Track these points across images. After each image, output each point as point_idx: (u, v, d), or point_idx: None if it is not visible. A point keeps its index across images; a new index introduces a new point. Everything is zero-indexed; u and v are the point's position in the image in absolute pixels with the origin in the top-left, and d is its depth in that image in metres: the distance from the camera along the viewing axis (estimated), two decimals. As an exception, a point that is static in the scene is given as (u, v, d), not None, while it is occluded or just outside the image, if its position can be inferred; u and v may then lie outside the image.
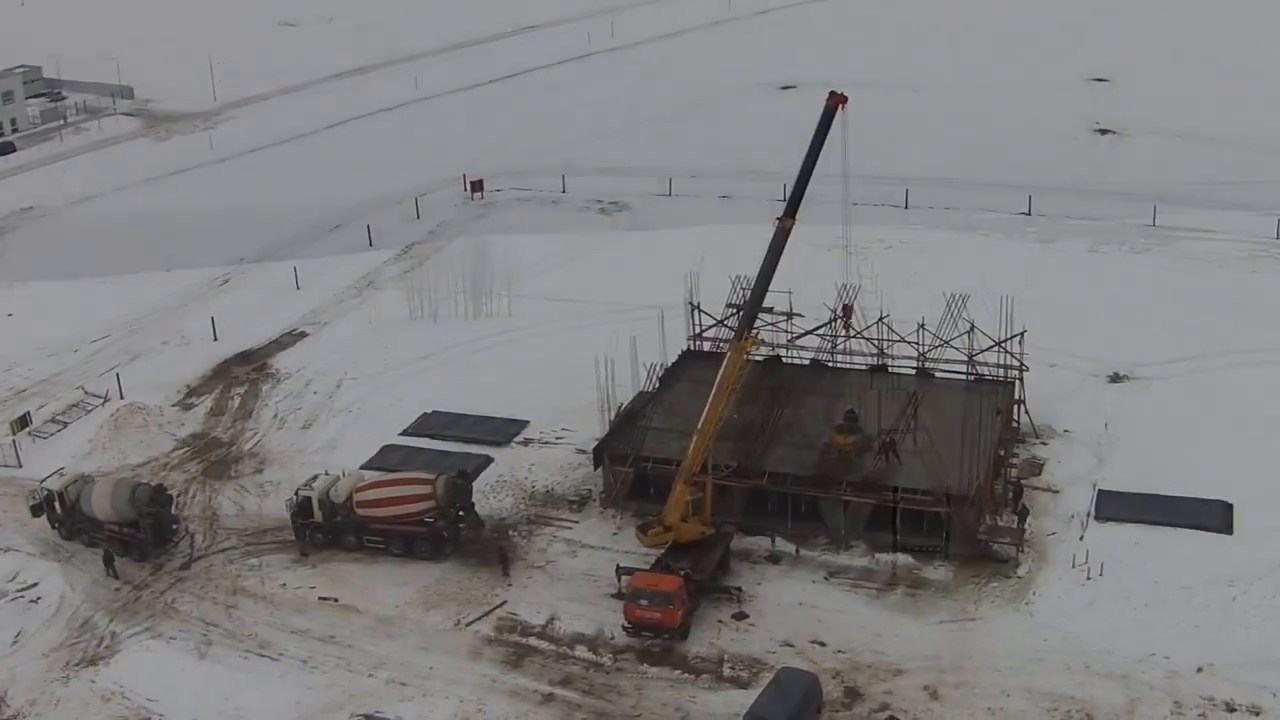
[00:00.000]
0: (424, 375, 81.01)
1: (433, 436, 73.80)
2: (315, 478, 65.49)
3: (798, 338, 72.02)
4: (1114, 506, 64.40)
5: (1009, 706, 52.06)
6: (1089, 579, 59.27)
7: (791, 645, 56.36)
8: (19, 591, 63.25)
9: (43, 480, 68.21)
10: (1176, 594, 57.93)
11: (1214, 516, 63.28)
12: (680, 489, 59.46)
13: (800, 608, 58.80)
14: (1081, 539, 62.07)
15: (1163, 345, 79.24)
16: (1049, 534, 62.96)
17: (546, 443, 72.67)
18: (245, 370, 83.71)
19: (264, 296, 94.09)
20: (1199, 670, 53.09)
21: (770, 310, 72.25)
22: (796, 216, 60.31)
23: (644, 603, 56.30)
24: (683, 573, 57.65)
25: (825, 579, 60.82)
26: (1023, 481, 66.73)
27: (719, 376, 59.65)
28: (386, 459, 71.16)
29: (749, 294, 63.79)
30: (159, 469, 72.74)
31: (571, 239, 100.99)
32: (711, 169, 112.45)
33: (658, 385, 71.79)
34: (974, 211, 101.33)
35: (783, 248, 60.04)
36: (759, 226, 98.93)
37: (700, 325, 74.65)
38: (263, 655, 57.37)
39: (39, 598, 62.30)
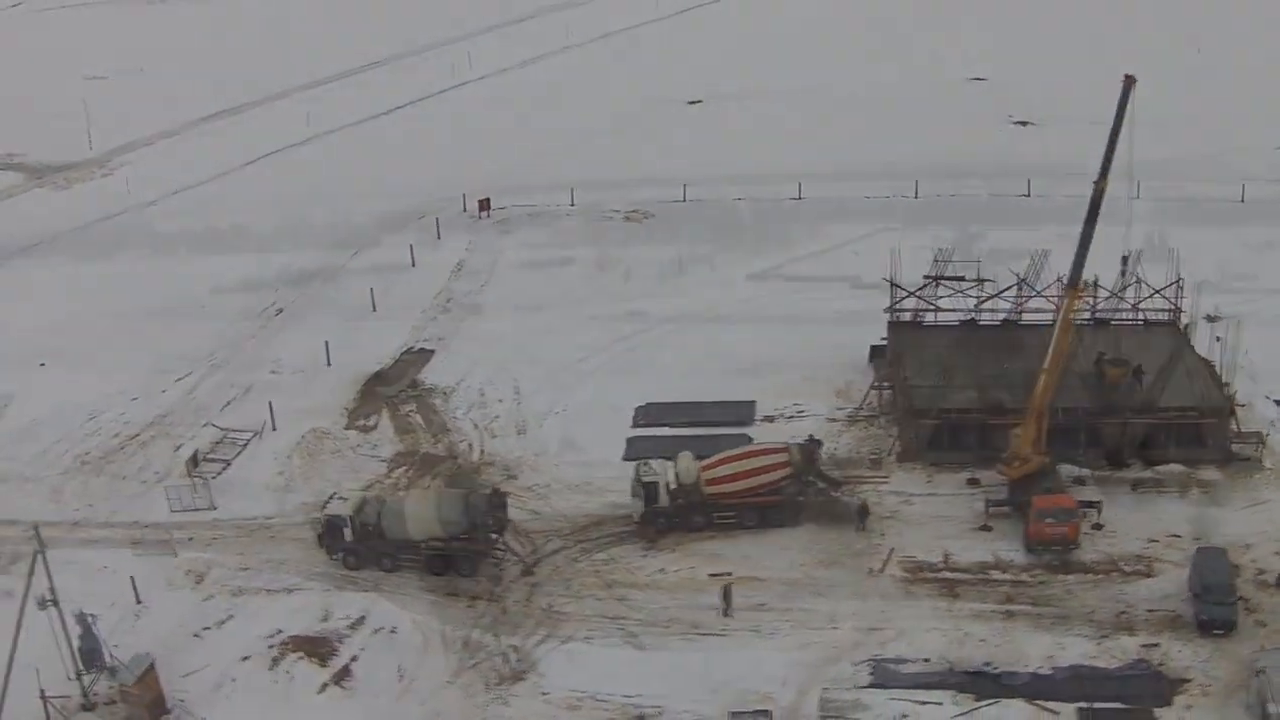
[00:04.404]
0: (596, 375, 78.97)
1: (671, 425, 72.40)
2: (645, 464, 63.29)
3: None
4: (1296, 409, 73.28)
5: (1342, 553, 60.22)
6: (1322, 462, 67.93)
7: (1156, 541, 61.63)
8: (350, 628, 57.43)
9: (323, 507, 62.29)
10: (1393, 460, 67.52)
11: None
12: (1032, 423, 62.94)
13: (1135, 514, 63.74)
14: (1292, 436, 70.58)
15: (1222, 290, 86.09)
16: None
17: (790, 417, 73.09)
18: (397, 389, 78.53)
19: (341, 321, 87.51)
20: None
21: (962, 279, 77.36)
22: (1108, 179, 64.32)
23: (1050, 521, 60.22)
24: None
25: (1132, 489, 65.94)
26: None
27: (1058, 323, 63.61)
28: (640, 450, 69.16)
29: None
30: (393, 488, 67.59)
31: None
32: (691, 177, 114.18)
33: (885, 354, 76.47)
34: (979, 198, 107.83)
35: (1099, 206, 63.89)
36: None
37: (895, 299, 76.98)
38: (704, 634, 55.71)
39: (394, 628, 56.89)
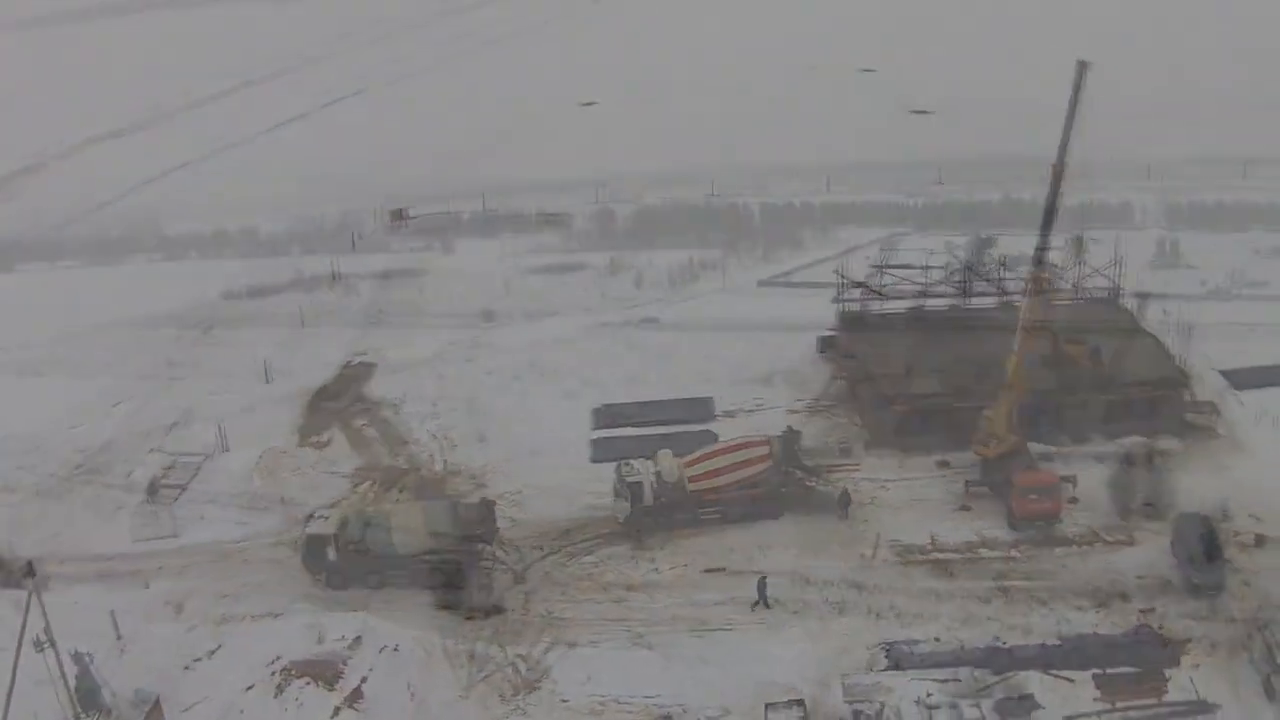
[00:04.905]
0: (550, 382, 77.92)
1: (634, 425, 72.11)
2: (626, 464, 62.71)
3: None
4: (1239, 379, 75.79)
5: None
6: (1275, 424, 70.48)
7: (1133, 511, 62.97)
8: (349, 649, 55.56)
9: (305, 526, 60.23)
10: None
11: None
12: (1005, 403, 64.26)
13: (1106, 486, 64.56)
14: (1242, 404, 73.19)
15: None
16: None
17: (751, 411, 73.41)
18: (343, 404, 76.40)
19: (274, 338, 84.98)
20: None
21: (910, 266, 78.85)
22: (1065, 163, 65.74)
23: (1034, 497, 61.95)
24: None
25: (1099, 463, 66.86)
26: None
27: (1023, 311, 64.59)
28: (607, 451, 68.91)
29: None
30: (362, 503, 65.58)
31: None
32: (600, 178, 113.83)
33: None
34: (892, 193, 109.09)
35: (1059, 190, 64.95)
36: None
37: (843, 291, 77.63)
38: (711, 630, 55.45)
39: (396, 646, 55.26)
